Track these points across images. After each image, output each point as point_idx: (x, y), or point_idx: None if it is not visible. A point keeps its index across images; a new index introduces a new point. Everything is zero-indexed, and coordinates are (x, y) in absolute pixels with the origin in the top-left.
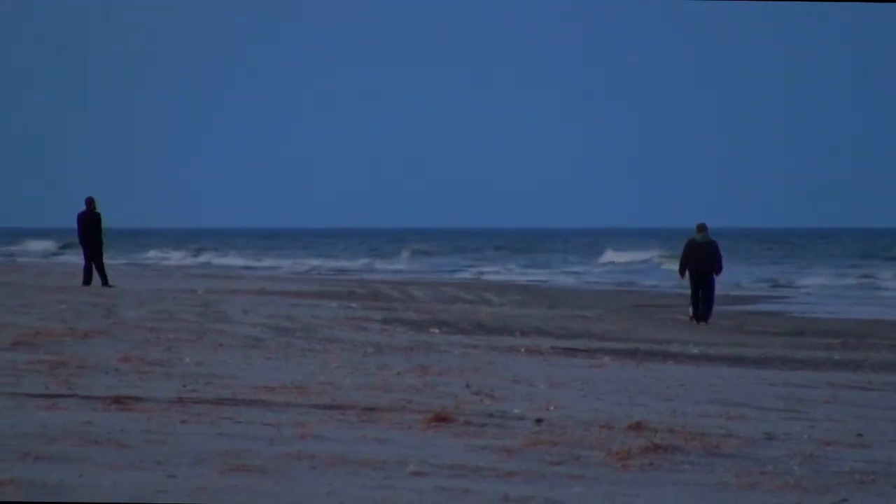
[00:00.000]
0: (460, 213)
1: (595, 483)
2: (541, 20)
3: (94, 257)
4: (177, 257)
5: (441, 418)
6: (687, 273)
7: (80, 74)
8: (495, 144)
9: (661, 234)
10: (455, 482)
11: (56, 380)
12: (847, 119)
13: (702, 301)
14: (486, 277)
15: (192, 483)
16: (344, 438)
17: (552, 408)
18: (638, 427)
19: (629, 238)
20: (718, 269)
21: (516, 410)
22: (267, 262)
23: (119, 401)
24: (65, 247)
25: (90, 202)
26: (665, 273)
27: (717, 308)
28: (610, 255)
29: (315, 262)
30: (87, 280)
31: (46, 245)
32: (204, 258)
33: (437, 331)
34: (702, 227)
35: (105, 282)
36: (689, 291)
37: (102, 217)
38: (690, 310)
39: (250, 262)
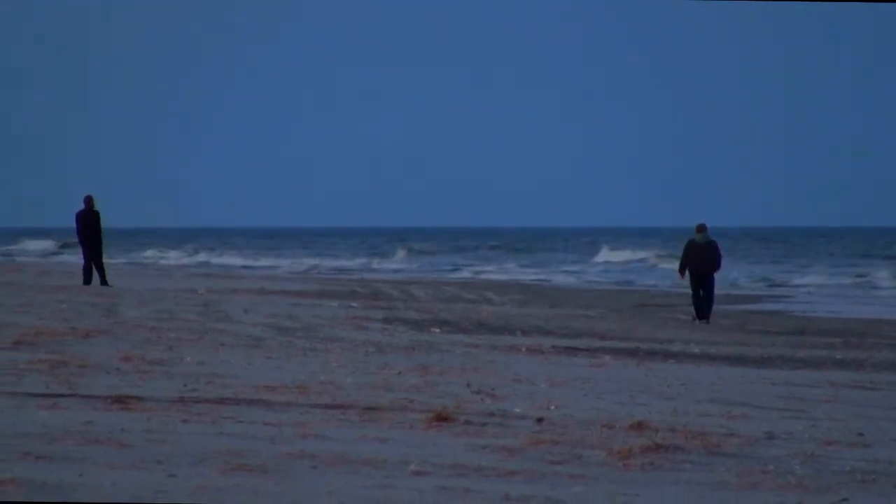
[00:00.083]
0: (460, 212)
1: (596, 482)
2: (541, 20)
3: (93, 256)
4: (174, 256)
5: (442, 418)
6: (687, 273)
7: (80, 74)
8: (495, 144)
9: (662, 233)
10: (456, 481)
11: (57, 379)
12: (847, 119)
13: (703, 300)
14: (482, 277)
15: (192, 482)
16: (345, 438)
17: (553, 407)
18: (639, 426)
19: (630, 237)
20: (717, 268)
21: (517, 410)
22: (265, 262)
23: (120, 400)
24: (64, 246)
25: (89, 201)
26: (664, 272)
27: (718, 307)
28: (606, 255)
29: (313, 262)
30: (88, 279)
31: (45, 245)
32: (201, 257)
33: (438, 330)
34: (701, 228)
35: (104, 281)
36: (689, 291)
37: (101, 216)
38: (693, 310)
39: (248, 262)
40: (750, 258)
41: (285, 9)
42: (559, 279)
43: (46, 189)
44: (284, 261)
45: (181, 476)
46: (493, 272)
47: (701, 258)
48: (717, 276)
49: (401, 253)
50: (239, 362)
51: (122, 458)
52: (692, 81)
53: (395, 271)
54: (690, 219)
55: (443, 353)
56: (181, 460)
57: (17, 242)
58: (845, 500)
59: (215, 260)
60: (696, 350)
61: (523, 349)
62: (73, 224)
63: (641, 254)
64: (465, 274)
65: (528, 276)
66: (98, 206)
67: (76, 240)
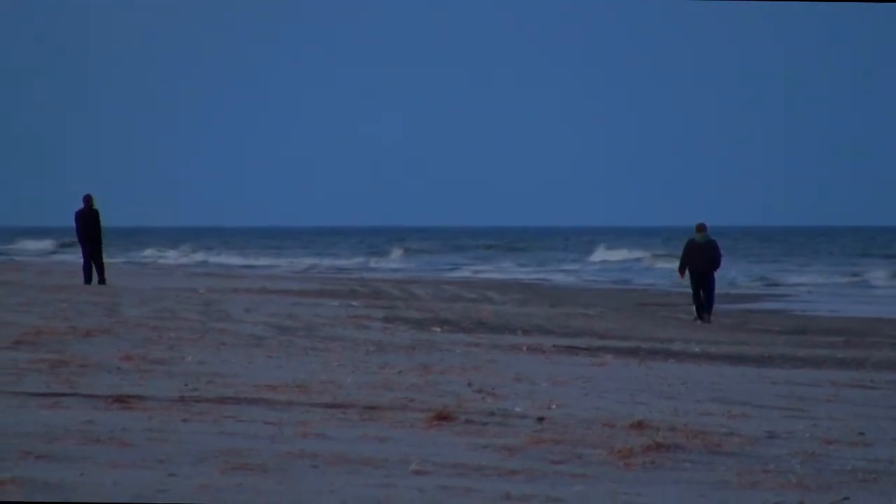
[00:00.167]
0: (461, 212)
1: (597, 481)
2: (541, 20)
3: (93, 255)
4: (172, 256)
5: (443, 417)
6: (687, 273)
7: (80, 74)
8: (495, 144)
9: (661, 233)
10: (457, 481)
11: (58, 378)
12: (847, 119)
13: (703, 299)
14: (479, 276)
15: (193, 482)
16: (346, 437)
17: (554, 406)
18: (640, 425)
19: (631, 237)
20: (717, 266)
21: (518, 409)
22: (264, 261)
23: (121, 399)
24: (62, 246)
25: (88, 200)
26: (662, 272)
27: (718, 307)
28: (603, 254)
29: (311, 261)
30: (88, 279)
31: (43, 245)
32: (199, 256)
33: (438, 329)
34: (701, 227)
35: (102, 280)
36: (689, 290)
37: (101, 215)
38: (694, 309)
39: (247, 261)
40: (749, 258)
41: (285, 9)
42: (557, 278)
43: (46, 188)
44: (283, 260)
45: (182, 475)
46: (490, 271)
47: (701, 257)
48: (716, 274)
49: (397, 252)
50: (240, 361)
51: (123, 458)
52: (692, 81)
53: (394, 270)
54: (690, 218)
55: (443, 353)
56: (182, 459)
57: (15, 242)
58: (846, 499)
59: (213, 259)
60: (697, 349)
61: (524, 348)
62: (73, 223)
63: (638, 253)
64: (463, 273)
65: (525, 275)
66: (97, 206)
67: (76, 239)
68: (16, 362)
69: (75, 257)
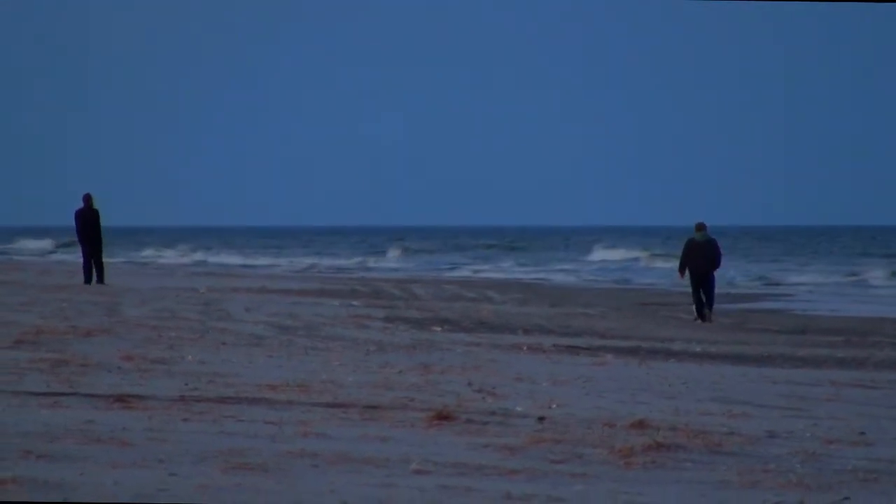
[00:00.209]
0: (461, 211)
1: (597, 481)
2: (541, 20)
3: (93, 254)
4: (170, 255)
5: (443, 416)
6: (687, 272)
7: (80, 74)
8: (495, 144)
9: (661, 232)
10: (457, 480)
11: (58, 378)
12: (847, 119)
13: (703, 299)
14: (478, 276)
15: (194, 481)
16: (346, 437)
17: (554, 406)
18: (640, 425)
19: (631, 236)
20: (717, 265)
21: (519, 408)
22: (263, 261)
23: (121, 399)
24: (60, 245)
25: (88, 199)
26: (661, 271)
27: (718, 306)
28: (600, 253)
29: (310, 261)
30: (88, 278)
31: (42, 245)
32: (198, 256)
33: (439, 329)
34: (700, 226)
35: (101, 279)
36: (689, 290)
37: (101, 214)
38: (694, 309)
39: (245, 261)
40: (748, 257)
41: (285, 9)
42: (555, 278)
43: (46, 188)
44: (283, 260)
45: (182, 475)
46: (489, 271)
47: (701, 257)
48: (715, 273)
49: (395, 252)
50: (240, 361)
51: (123, 457)
52: (692, 81)
53: (394, 270)
54: (690, 218)
55: (444, 352)
56: (182, 459)
57: (14, 242)
58: (847, 498)
59: (212, 259)
60: (698, 349)
61: (524, 348)
62: (73, 223)
63: (636, 252)
64: (462, 273)
65: (523, 274)
66: (97, 205)
67: (76, 239)
68: (16, 362)
69: (74, 257)
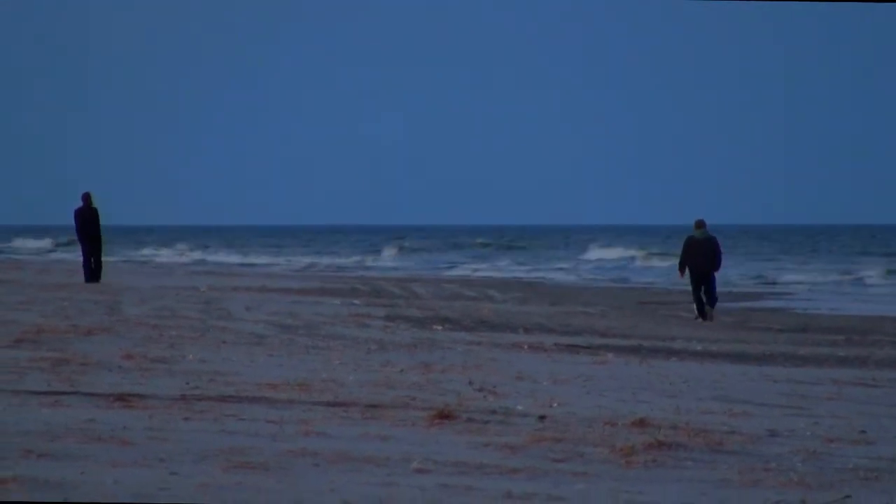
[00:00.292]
0: (461, 211)
1: (598, 480)
2: (541, 20)
3: (93, 253)
4: (167, 254)
5: (444, 415)
6: (687, 271)
7: (80, 74)
8: (495, 144)
9: (662, 231)
10: (458, 479)
11: (59, 377)
12: (847, 119)
13: (705, 296)
14: (474, 275)
15: (194, 480)
16: (347, 435)
17: (555, 404)
18: (641, 424)
19: (631, 235)
20: (717, 266)
21: (519, 407)
22: (262, 260)
23: (122, 398)
24: (61, 244)
25: (87, 198)
26: (660, 270)
27: (719, 305)
28: (597, 252)
29: (308, 260)
30: (88, 277)
31: (42, 243)
32: (197, 255)
33: (439, 327)
34: (700, 224)
35: (98, 277)
36: (689, 288)
37: (100, 213)
38: (695, 307)
39: (244, 260)
40: (747, 256)
41: (285, 9)
42: (552, 276)
43: (45, 187)
44: (281, 259)
45: (183, 474)
46: (486, 270)
47: (700, 255)
48: (717, 274)
49: (391, 251)
50: (241, 360)
51: (124, 456)
52: (692, 81)
53: (393, 269)
54: (690, 217)
55: (444, 351)
56: (183, 458)
57: (12, 241)
58: (848, 497)
59: (211, 258)
60: (698, 347)
61: (525, 347)
62: (72, 222)
63: (631, 251)
64: (459, 272)
65: (520, 273)
66: (96, 203)
67: (75, 237)
68: (17, 361)
69: (73, 256)
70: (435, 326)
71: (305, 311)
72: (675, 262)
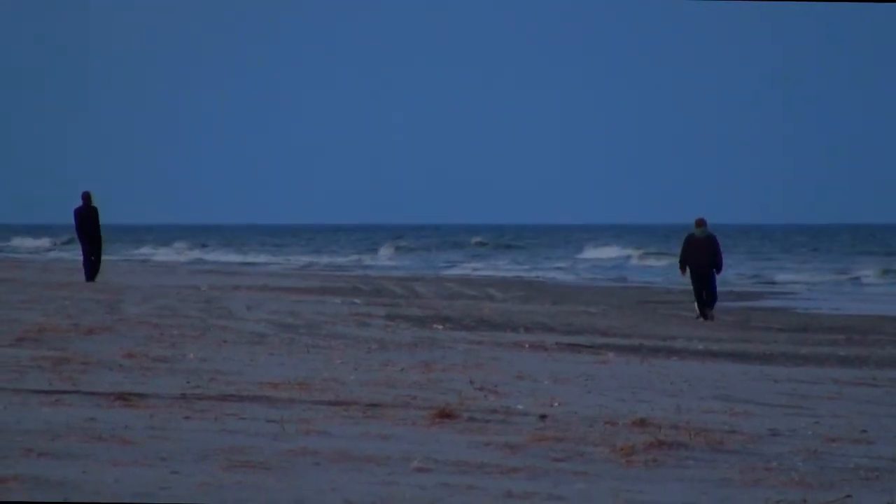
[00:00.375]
0: (462, 210)
1: (599, 479)
2: (541, 20)
3: (92, 252)
4: (164, 253)
5: (445, 414)
6: (688, 269)
7: (80, 74)
8: (495, 144)
9: (662, 230)
10: (459, 478)
11: (60, 376)
12: (847, 119)
13: (705, 296)
14: (474, 274)
15: (195, 479)
16: (348, 434)
17: (556, 404)
18: (642, 423)
19: (629, 234)
20: (719, 267)
21: (520, 406)
22: (259, 258)
23: (123, 397)
24: (62, 243)
25: (87, 197)
26: (660, 269)
27: (720, 304)
28: (593, 251)
29: (307, 259)
30: (89, 276)
31: (40, 243)
32: (195, 254)
33: (440, 327)
34: (700, 223)
35: (94, 276)
36: (690, 287)
37: (100, 212)
38: (696, 306)
39: (242, 258)
40: (745, 255)
41: (285, 8)
42: (549, 276)
43: (46, 186)
44: (280, 258)
45: (184, 473)
46: (483, 269)
47: (701, 253)
48: (719, 276)
49: (387, 250)
50: (242, 359)
51: (124, 455)
52: (692, 81)
53: (392, 268)
54: (691, 216)
55: (445, 350)
56: (184, 457)
57: (10, 240)
58: (849, 496)
59: (208, 256)
60: (699, 347)
61: (526, 346)
62: (72, 220)
63: (628, 250)
64: (455, 271)
65: (515, 272)
66: (96, 202)
67: (75, 236)
68: (18, 359)
69: (72, 255)
70: (436, 325)
71: (306, 311)
72: (672, 260)
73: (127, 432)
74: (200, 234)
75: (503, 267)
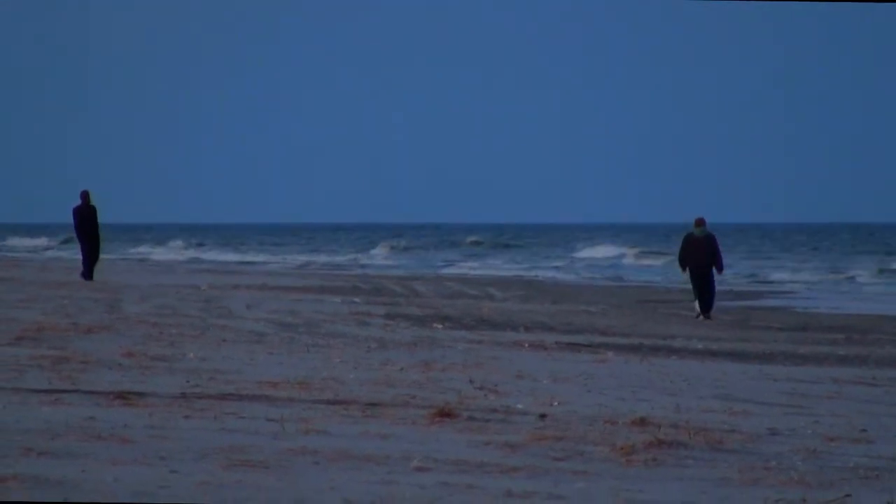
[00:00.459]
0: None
1: (599, 478)
2: (541, 20)
3: (91, 251)
4: (161, 252)
5: (444, 414)
6: (688, 269)
7: (79, 73)
8: (495, 143)
9: (662, 229)
10: (458, 478)
11: (59, 375)
12: (847, 119)
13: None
14: (472, 273)
15: (194, 478)
16: (347, 434)
17: (556, 403)
18: (642, 422)
19: (628, 234)
20: (720, 267)
21: (520, 406)
22: (257, 257)
23: (122, 396)
24: (62, 242)
25: (85, 196)
26: (659, 269)
27: (720, 303)
28: (587, 251)
29: (304, 258)
30: (88, 275)
31: (37, 242)
32: (191, 253)
33: (440, 326)
34: (700, 222)
35: (91, 274)
36: (689, 286)
37: (98, 210)
38: (696, 305)
39: (240, 258)
40: (742, 255)
41: (285, 8)
42: (546, 275)
43: (44, 185)
44: (278, 257)
45: (183, 472)
46: (479, 268)
47: (700, 252)
48: (720, 277)
49: (383, 249)
50: (241, 358)
51: (124, 454)
52: (692, 81)
53: (391, 267)
54: (690, 215)
55: (445, 349)
56: (183, 456)
57: (6, 239)
58: (848, 496)
59: (205, 255)
60: (699, 346)
61: (526, 345)
62: (71, 219)
63: (624, 249)
64: (451, 270)
65: (511, 271)
66: (95, 201)
67: (74, 235)
68: (17, 358)
69: (70, 254)
70: (435, 325)
71: (306, 310)
72: (668, 259)
73: (126, 431)
74: (199, 234)
75: (499, 266)
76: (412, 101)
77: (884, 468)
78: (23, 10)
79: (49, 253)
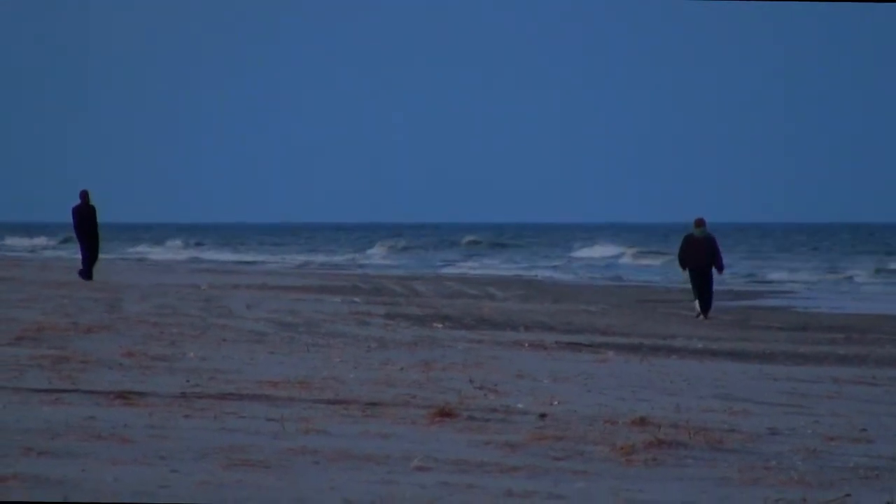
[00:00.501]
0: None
1: (599, 478)
2: (541, 20)
3: (90, 250)
4: (159, 251)
5: (445, 413)
6: (687, 269)
7: (79, 73)
8: (495, 143)
9: (662, 229)
10: (459, 477)
11: (59, 375)
12: (847, 118)
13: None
14: (471, 272)
15: (195, 478)
16: (347, 433)
17: (556, 403)
18: (642, 422)
19: (628, 233)
20: (720, 267)
21: (520, 405)
22: (254, 257)
23: (122, 396)
24: (62, 242)
25: (85, 195)
26: (659, 268)
27: (720, 303)
28: (584, 251)
29: (303, 258)
30: (87, 274)
31: (35, 242)
32: (189, 252)
33: (440, 326)
34: (700, 222)
35: (90, 274)
36: (688, 286)
37: (97, 210)
38: (696, 305)
39: (238, 257)
40: (741, 255)
41: (285, 8)
42: (544, 275)
43: (44, 184)
44: (276, 256)
45: (183, 471)
46: (477, 268)
47: (700, 253)
48: (720, 277)
49: (381, 249)
50: (241, 358)
51: (124, 454)
52: (692, 81)
53: (391, 267)
54: (690, 215)
55: (445, 349)
56: (183, 456)
57: (4, 239)
58: (848, 495)
59: (203, 255)
60: (699, 346)
61: (526, 345)
62: (70, 219)
63: (622, 249)
64: (450, 270)
65: (509, 271)
66: (94, 201)
67: (74, 234)
68: (17, 358)
69: (69, 253)
70: (435, 324)
71: (306, 309)
72: (666, 259)
73: (126, 431)
74: (199, 233)
75: (498, 266)
76: (412, 101)
77: (884, 468)
78: (23, 10)
79: (48, 252)
